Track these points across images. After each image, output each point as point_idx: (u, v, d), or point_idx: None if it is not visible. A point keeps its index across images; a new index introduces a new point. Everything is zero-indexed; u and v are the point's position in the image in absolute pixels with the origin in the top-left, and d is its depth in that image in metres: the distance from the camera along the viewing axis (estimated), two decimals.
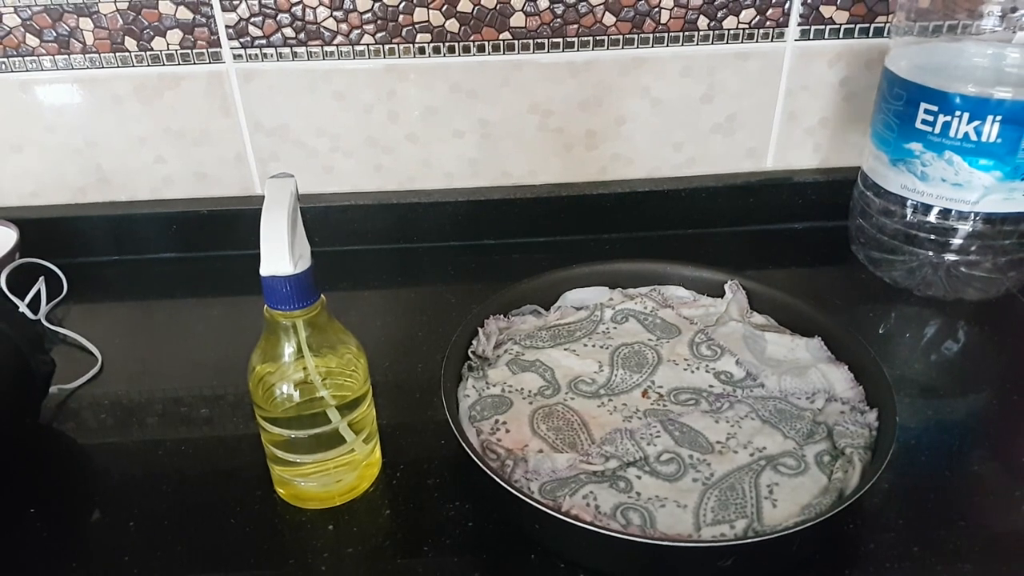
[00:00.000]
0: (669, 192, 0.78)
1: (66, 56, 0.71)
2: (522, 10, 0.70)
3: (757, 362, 0.56)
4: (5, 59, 0.71)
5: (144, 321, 0.70)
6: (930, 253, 0.66)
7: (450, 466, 0.53)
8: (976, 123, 0.60)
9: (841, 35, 0.73)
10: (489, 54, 0.72)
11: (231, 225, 0.76)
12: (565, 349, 0.58)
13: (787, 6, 0.72)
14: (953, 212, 0.64)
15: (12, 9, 0.69)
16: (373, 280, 0.75)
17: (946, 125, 0.61)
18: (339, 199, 0.77)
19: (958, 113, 0.60)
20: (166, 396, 0.60)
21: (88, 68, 0.72)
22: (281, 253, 0.41)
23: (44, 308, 0.69)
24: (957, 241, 0.65)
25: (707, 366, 0.56)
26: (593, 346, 0.59)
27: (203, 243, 0.78)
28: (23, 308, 0.66)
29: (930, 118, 0.62)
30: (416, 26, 0.71)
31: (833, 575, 0.45)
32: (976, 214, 0.63)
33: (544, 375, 0.56)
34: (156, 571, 0.46)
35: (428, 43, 0.72)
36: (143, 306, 0.73)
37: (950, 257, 0.66)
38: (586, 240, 0.79)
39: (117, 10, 0.69)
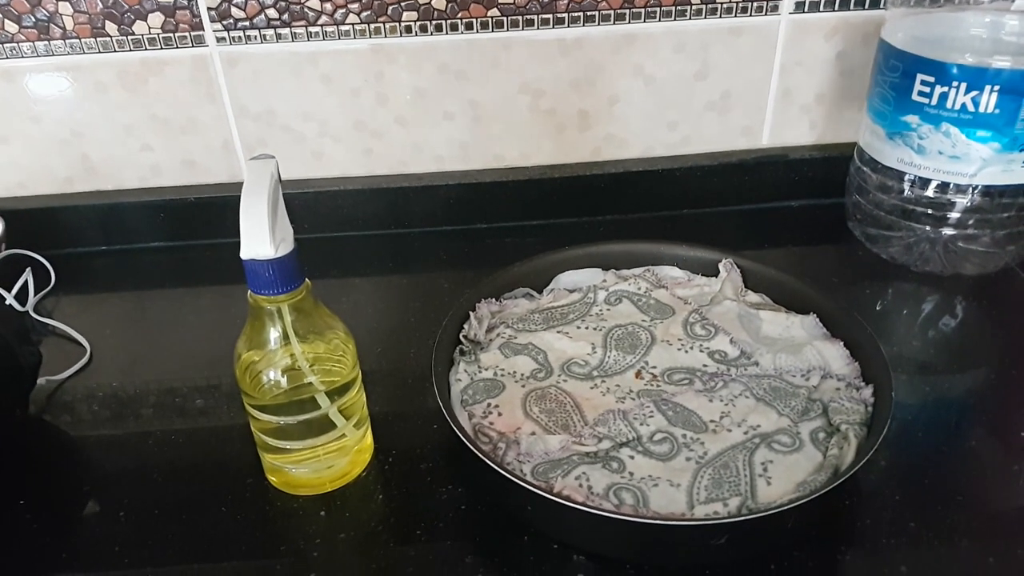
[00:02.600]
0: (663, 172, 0.77)
1: (46, 42, 0.70)
2: None
3: (752, 341, 0.56)
4: None
5: (133, 311, 0.70)
6: (928, 228, 0.65)
7: (443, 451, 0.52)
8: (974, 93, 0.59)
9: (836, 7, 0.72)
10: (477, 32, 0.71)
11: (220, 213, 0.75)
12: (558, 332, 0.57)
13: None
14: (951, 185, 0.63)
15: None
16: (364, 266, 0.74)
17: (943, 96, 0.60)
18: (328, 185, 0.76)
19: (955, 84, 0.59)
20: (156, 387, 0.59)
21: (69, 54, 0.71)
22: (262, 236, 0.40)
23: (32, 300, 0.68)
24: (955, 215, 0.64)
25: (701, 346, 0.55)
26: (586, 328, 0.58)
27: (192, 231, 0.77)
28: (10, 300, 0.66)
29: (927, 89, 0.61)
30: (402, 4, 0.70)
31: (829, 552, 0.45)
32: (974, 187, 0.62)
33: (537, 358, 0.55)
34: (147, 562, 0.46)
35: (415, 21, 0.70)
36: (132, 296, 0.72)
37: (948, 232, 0.65)
38: (580, 222, 0.78)
39: None
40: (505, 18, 0.71)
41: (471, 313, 0.58)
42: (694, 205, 0.79)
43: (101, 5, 0.68)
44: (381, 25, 0.70)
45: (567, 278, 0.63)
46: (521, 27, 0.71)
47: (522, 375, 0.54)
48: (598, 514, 0.41)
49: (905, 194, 0.65)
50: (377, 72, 0.72)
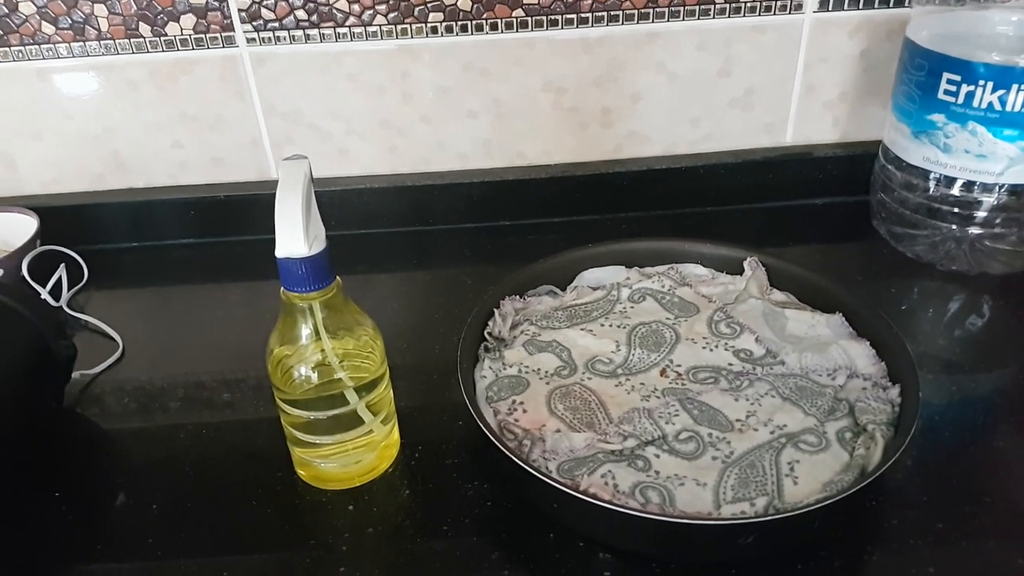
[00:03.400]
0: (686, 169, 0.77)
1: (82, 43, 0.71)
2: None
3: (777, 339, 0.56)
4: (22, 47, 0.72)
5: (163, 306, 0.71)
6: (953, 227, 0.65)
7: (468, 446, 0.53)
8: (1000, 92, 0.59)
9: (861, 5, 0.72)
10: (502, 32, 0.72)
11: (248, 209, 0.77)
12: (582, 329, 0.58)
13: None
14: (977, 184, 0.63)
15: None
16: (389, 263, 0.75)
17: (969, 95, 0.60)
18: (354, 182, 0.77)
19: (982, 82, 0.59)
20: (187, 380, 0.60)
21: (104, 55, 0.72)
22: (296, 235, 0.41)
23: (65, 295, 0.70)
24: (981, 214, 0.64)
25: (726, 344, 0.56)
26: (610, 326, 0.58)
27: (221, 228, 0.78)
28: (44, 295, 0.67)
29: (953, 88, 0.60)
30: (428, 5, 0.70)
31: (856, 552, 0.45)
32: (1001, 186, 0.62)
33: (561, 355, 0.56)
34: (179, 553, 0.47)
35: (440, 22, 0.71)
36: (162, 291, 0.73)
37: (974, 230, 0.64)
38: (602, 219, 0.78)
39: None
40: (529, 18, 0.71)
41: (495, 310, 0.58)
42: (717, 202, 0.79)
43: (135, 7, 0.70)
44: (408, 26, 0.71)
45: (590, 275, 0.63)
46: (545, 27, 0.71)
47: (546, 372, 0.54)
48: (625, 513, 0.41)
49: (931, 192, 0.65)
50: (402, 71, 0.73)
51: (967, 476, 0.49)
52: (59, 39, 0.71)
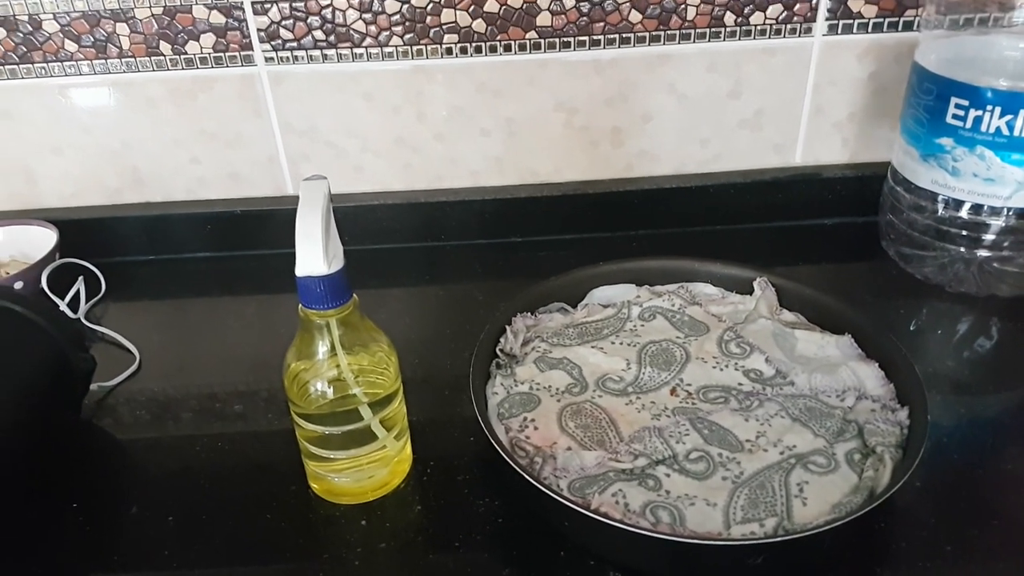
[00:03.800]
0: (696, 188, 0.78)
1: (103, 60, 0.73)
2: (548, 9, 0.71)
3: (787, 360, 0.56)
4: (45, 64, 0.73)
5: (179, 318, 0.72)
6: (962, 249, 0.66)
7: (479, 463, 0.53)
8: (1008, 117, 0.59)
9: (870, 29, 0.73)
10: (515, 53, 0.73)
11: (264, 225, 0.78)
12: (592, 346, 0.58)
13: (814, 1, 0.71)
14: (985, 207, 0.63)
15: (51, 15, 0.71)
16: (401, 278, 0.75)
17: (977, 120, 0.60)
18: (368, 198, 0.78)
19: (989, 107, 0.60)
20: (202, 393, 0.61)
21: (124, 72, 0.73)
22: (316, 254, 0.42)
23: (83, 307, 0.71)
24: (989, 237, 0.64)
25: (736, 364, 0.56)
26: (620, 344, 0.59)
27: (237, 242, 0.79)
28: (63, 307, 0.68)
29: (961, 112, 0.61)
30: (443, 27, 0.71)
31: (864, 574, 0.45)
32: (1009, 209, 0.62)
33: (572, 372, 0.56)
34: (194, 564, 0.48)
35: (455, 43, 0.72)
36: (178, 304, 0.74)
37: (982, 253, 0.65)
38: (612, 237, 0.79)
39: (152, 15, 0.71)
40: (543, 40, 0.72)
41: (507, 326, 0.59)
42: (727, 222, 0.79)
43: (156, 26, 0.71)
44: (423, 47, 0.72)
45: (601, 293, 0.64)
46: (558, 48, 0.72)
47: (557, 389, 0.55)
48: (636, 532, 0.42)
49: (939, 214, 0.66)
50: (417, 90, 0.74)
51: (976, 498, 0.49)
52: (81, 56, 0.73)
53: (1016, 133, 0.59)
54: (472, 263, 0.77)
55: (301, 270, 0.43)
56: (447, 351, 0.64)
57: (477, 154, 0.78)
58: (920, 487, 0.50)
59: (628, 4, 0.71)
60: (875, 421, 0.50)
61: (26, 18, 0.71)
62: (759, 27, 0.72)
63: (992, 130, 0.60)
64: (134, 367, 0.64)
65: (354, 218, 0.78)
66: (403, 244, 0.79)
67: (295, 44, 0.72)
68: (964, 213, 0.64)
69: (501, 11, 0.71)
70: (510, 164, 0.79)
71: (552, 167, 0.79)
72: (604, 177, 0.80)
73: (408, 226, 0.79)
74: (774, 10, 0.72)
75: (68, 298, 0.70)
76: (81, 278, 0.72)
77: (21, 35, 0.71)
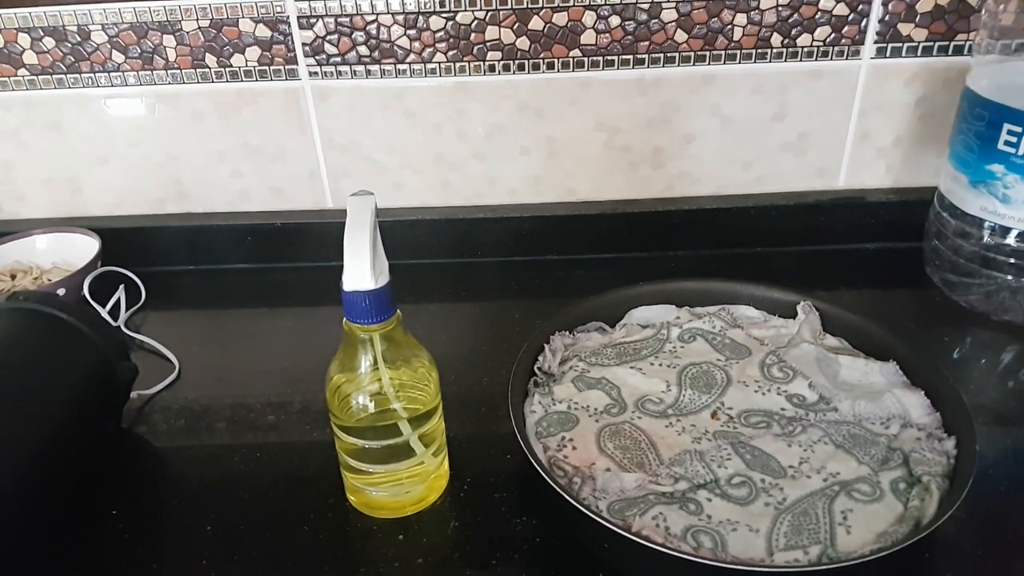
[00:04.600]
0: (737, 209, 0.78)
1: (149, 72, 0.74)
2: (593, 27, 0.71)
3: (830, 385, 0.55)
4: (92, 75, 0.75)
5: (219, 329, 0.73)
6: (1009, 277, 0.64)
7: (517, 481, 0.53)
8: None
9: (919, 53, 0.72)
10: (558, 71, 0.73)
11: (303, 238, 0.78)
12: (631, 367, 0.58)
13: (863, 24, 0.71)
14: None
15: (100, 26, 0.72)
16: (438, 293, 0.76)
17: None
18: (406, 214, 0.79)
19: None
20: (242, 403, 0.62)
21: (170, 84, 0.75)
22: (363, 269, 0.42)
23: (123, 315, 0.72)
24: None
25: (779, 388, 0.55)
26: (660, 365, 0.58)
27: (276, 255, 0.80)
28: (104, 315, 0.69)
29: (1014, 139, 0.60)
30: (487, 44, 0.72)
31: None
32: None
33: (610, 393, 0.56)
34: (232, 574, 0.48)
35: (499, 61, 0.73)
36: (218, 314, 0.75)
37: None
38: (650, 257, 0.79)
39: (199, 27, 0.72)
40: (586, 58, 0.72)
41: (545, 345, 0.59)
42: (768, 244, 0.79)
43: (203, 38, 0.72)
44: (466, 64, 0.73)
45: (640, 313, 0.64)
46: (601, 67, 0.73)
47: (595, 410, 0.55)
48: (678, 556, 0.41)
49: (985, 242, 0.65)
50: (459, 108, 0.75)
51: (1022, 530, 0.48)
52: (128, 67, 0.74)
53: None
54: (508, 280, 0.77)
55: (348, 285, 0.43)
56: (483, 368, 0.64)
57: (516, 172, 0.78)
58: (965, 518, 0.48)
59: (674, 24, 0.71)
60: (921, 450, 0.49)
61: (75, 28, 0.72)
62: (806, 49, 0.72)
63: None
64: (173, 376, 0.65)
65: (391, 233, 0.76)
66: (440, 260, 0.80)
67: (339, 59, 0.73)
68: (1012, 240, 0.63)
69: (545, 29, 0.71)
70: (549, 183, 0.79)
71: (591, 187, 0.79)
72: (643, 197, 0.79)
73: (445, 242, 0.79)
74: (822, 32, 0.71)
75: (109, 306, 0.71)
76: (122, 286, 0.73)
77: (70, 45, 0.73)
